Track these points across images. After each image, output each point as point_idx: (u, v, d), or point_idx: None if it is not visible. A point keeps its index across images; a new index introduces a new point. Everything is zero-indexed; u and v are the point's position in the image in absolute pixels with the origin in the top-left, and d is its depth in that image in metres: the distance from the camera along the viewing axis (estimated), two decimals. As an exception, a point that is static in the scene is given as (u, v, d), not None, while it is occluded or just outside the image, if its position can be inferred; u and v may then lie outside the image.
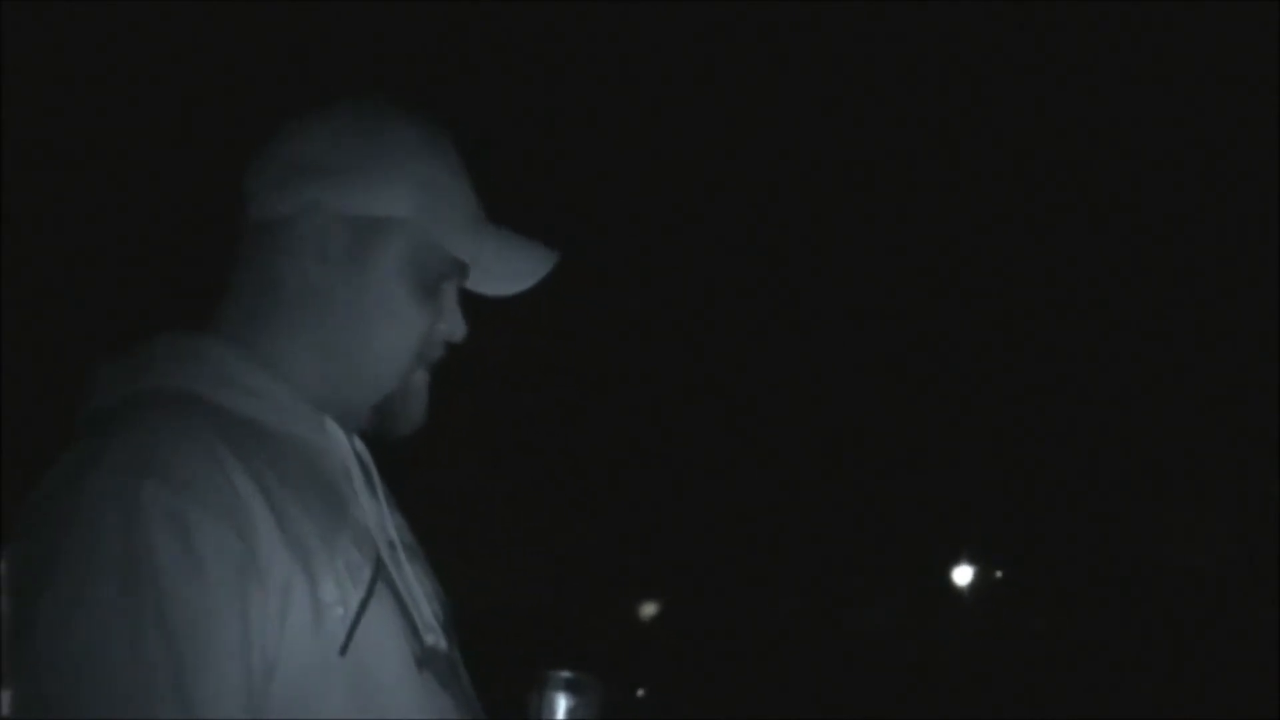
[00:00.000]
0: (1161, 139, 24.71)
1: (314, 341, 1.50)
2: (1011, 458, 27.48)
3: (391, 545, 1.52)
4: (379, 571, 1.45)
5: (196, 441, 1.36)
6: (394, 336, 1.52)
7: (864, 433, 28.30)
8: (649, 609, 28.76)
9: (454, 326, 1.58)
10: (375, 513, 1.52)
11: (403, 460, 1.67)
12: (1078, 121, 25.93)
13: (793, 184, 27.03)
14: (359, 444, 1.57)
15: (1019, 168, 26.96)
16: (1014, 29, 23.61)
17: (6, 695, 1.28)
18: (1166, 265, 26.12)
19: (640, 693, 18.79)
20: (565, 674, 1.59)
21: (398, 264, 1.51)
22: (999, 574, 28.56)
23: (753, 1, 23.09)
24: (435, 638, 1.52)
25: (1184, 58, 22.99)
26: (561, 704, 1.58)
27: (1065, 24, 23.69)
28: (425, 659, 1.48)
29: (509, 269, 1.61)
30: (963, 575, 28.32)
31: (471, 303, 1.61)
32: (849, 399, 28.43)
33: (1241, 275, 23.29)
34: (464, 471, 24.77)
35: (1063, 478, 27.10)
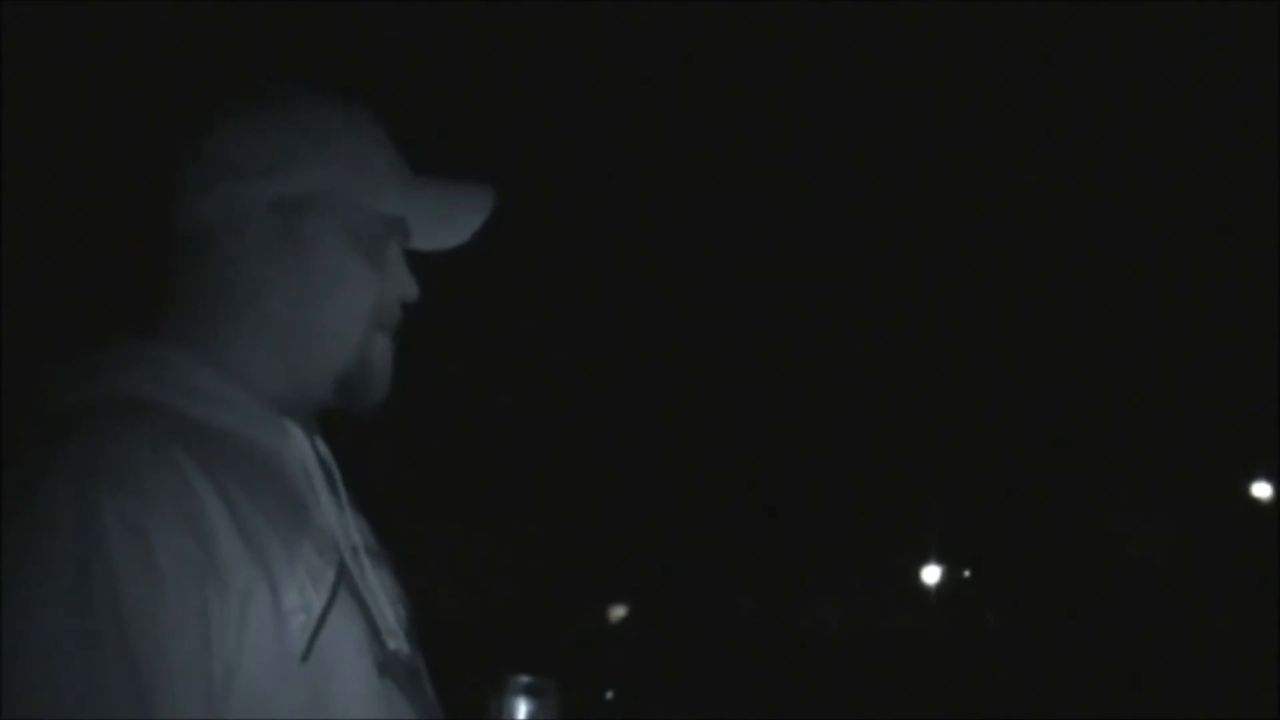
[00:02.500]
0: (1159, 139, 24.82)
1: (265, 335, 1.50)
2: (978, 458, 27.56)
3: (354, 550, 1.51)
4: (341, 576, 1.45)
5: (153, 447, 1.35)
6: (343, 309, 1.52)
7: (831, 434, 28.34)
8: (617, 611, 28.77)
9: (404, 288, 1.58)
10: (338, 516, 1.51)
11: (365, 461, 1.66)
12: (1069, 121, 26.02)
13: (777, 180, 27.07)
14: (322, 446, 1.56)
15: (987, 166, 27.03)
16: (1014, 29, 23.70)
17: None
18: (1139, 267, 26.24)
19: (609, 694, 18.76)
20: (525, 678, 1.58)
21: (332, 237, 1.51)
22: (966, 573, 28.69)
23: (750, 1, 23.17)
24: (398, 642, 1.51)
25: (1184, 58, 23.12)
26: (522, 708, 1.57)
27: (1065, 24, 23.80)
28: (387, 664, 1.47)
29: (448, 220, 1.60)
30: (930, 575, 28.43)
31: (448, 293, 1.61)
32: (815, 401, 28.49)
33: (1226, 275, 23.39)
34: (429, 473, 24.71)
35: (1029, 477, 27.20)
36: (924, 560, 28.52)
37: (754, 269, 28.44)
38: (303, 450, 1.52)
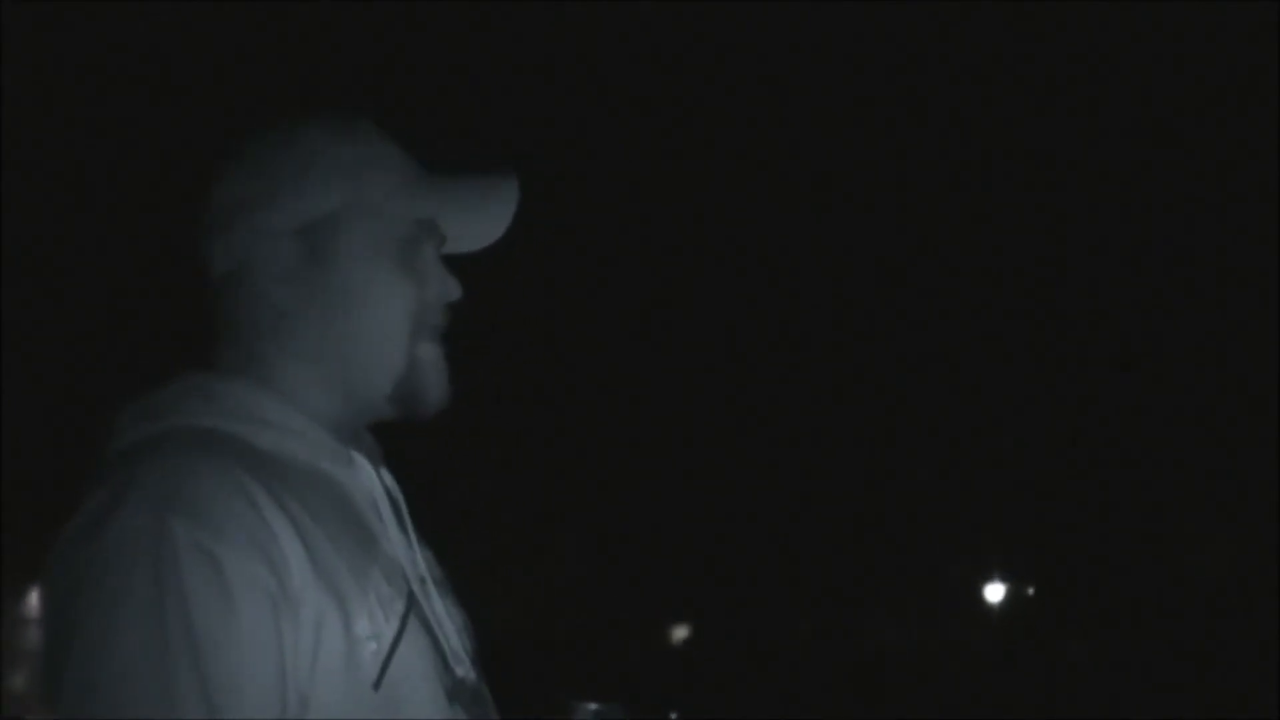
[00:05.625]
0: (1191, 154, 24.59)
1: (309, 360, 1.52)
2: (1041, 474, 27.33)
3: (421, 579, 1.53)
4: (410, 605, 1.47)
5: (226, 477, 1.38)
6: (378, 321, 1.52)
7: (892, 451, 28.20)
8: (680, 632, 28.71)
9: (444, 288, 1.57)
10: (404, 546, 1.53)
11: (427, 488, 1.67)
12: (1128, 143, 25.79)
13: (835, 197, 26.97)
14: (387, 477, 1.58)
15: (1041, 184, 26.87)
16: (1014, 29, 23.59)
17: None
18: (1199, 287, 25.97)
19: (674, 716, 18.74)
20: (592, 706, 1.58)
21: (355, 250, 1.52)
22: (1030, 590, 28.44)
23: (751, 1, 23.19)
24: (465, 670, 1.52)
25: (1184, 58, 22.94)
26: None
27: (1065, 24, 23.66)
28: (455, 691, 1.49)
29: (476, 213, 1.61)
30: (994, 593, 28.20)
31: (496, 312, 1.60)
32: (877, 417, 28.35)
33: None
34: (490, 498, 24.77)
35: (1093, 492, 26.94)
36: (987, 577, 28.30)
37: (818, 287, 28.34)
38: (369, 481, 1.53)
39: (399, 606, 1.45)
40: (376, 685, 1.39)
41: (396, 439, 1.64)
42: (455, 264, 1.62)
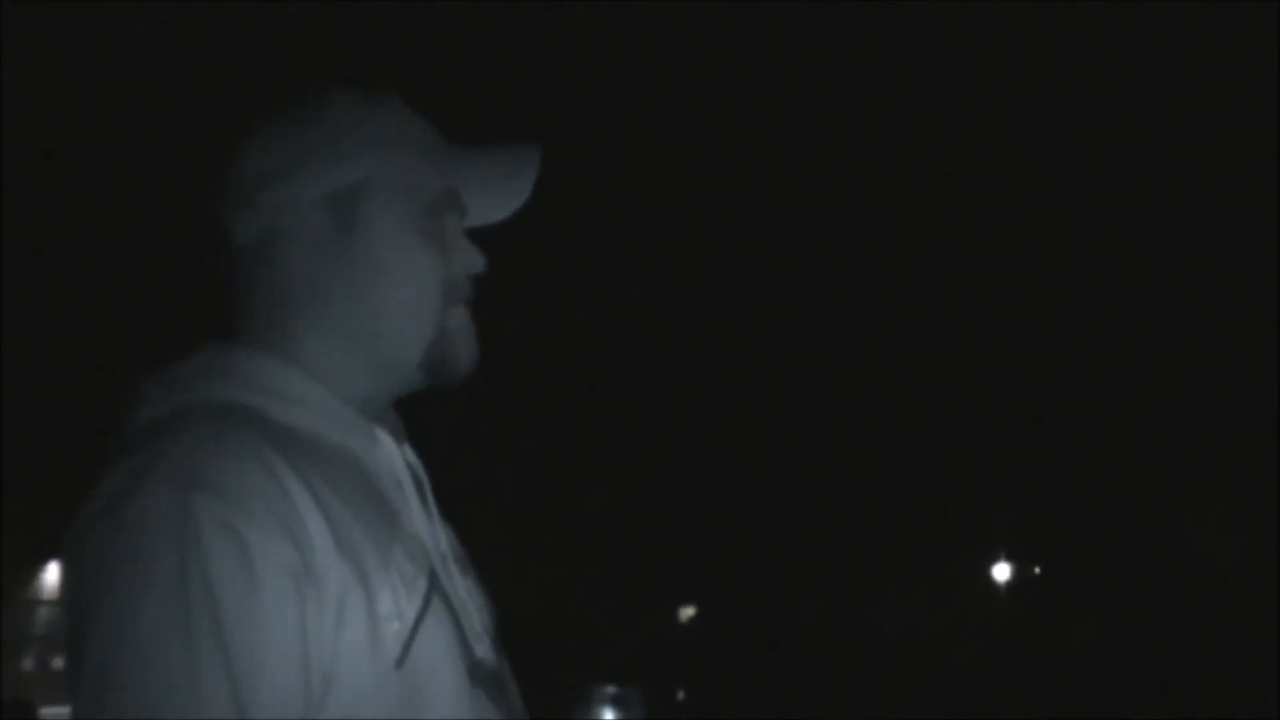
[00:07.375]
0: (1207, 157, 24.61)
1: (335, 332, 1.50)
2: (1049, 456, 27.38)
3: (443, 557, 1.52)
4: (433, 584, 1.46)
5: (248, 453, 1.36)
6: (411, 289, 1.51)
7: (899, 432, 28.24)
8: (686, 611, 28.79)
9: (469, 260, 1.57)
10: (427, 524, 1.52)
11: (441, 470, 1.66)
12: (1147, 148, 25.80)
13: (837, 192, 27.03)
14: (410, 455, 1.57)
15: (1034, 178, 26.92)
16: (1016, 30, 23.61)
17: (71, 708, 1.30)
18: (1197, 272, 26.01)
19: (680, 695, 18.79)
20: (610, 688, 1.58)
21: (384, 220, 1.51)
22: (1037, 570, 28.51)
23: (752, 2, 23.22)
24: (484, 649, 1.52)
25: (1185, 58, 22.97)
26: (607, 717, 1.58)
27: (1066, 25, 23.69)
28: (476, 671, 1.48)
29: (501, 183, 1.60)
30: (1001, 573, 28.27)
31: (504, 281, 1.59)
32: (883, 400, 28.40)
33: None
34: (502, 481, 24.84)
35: (1100, 475, 26.99)
36: (995, 559, 28.37)
37: (816, 271, 28.37)
38: (391, 457, 1.52)
39: (421, 585, 1.44)
40: (399, 664, 1.38)
41: (411, 422, 1.63)
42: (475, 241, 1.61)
